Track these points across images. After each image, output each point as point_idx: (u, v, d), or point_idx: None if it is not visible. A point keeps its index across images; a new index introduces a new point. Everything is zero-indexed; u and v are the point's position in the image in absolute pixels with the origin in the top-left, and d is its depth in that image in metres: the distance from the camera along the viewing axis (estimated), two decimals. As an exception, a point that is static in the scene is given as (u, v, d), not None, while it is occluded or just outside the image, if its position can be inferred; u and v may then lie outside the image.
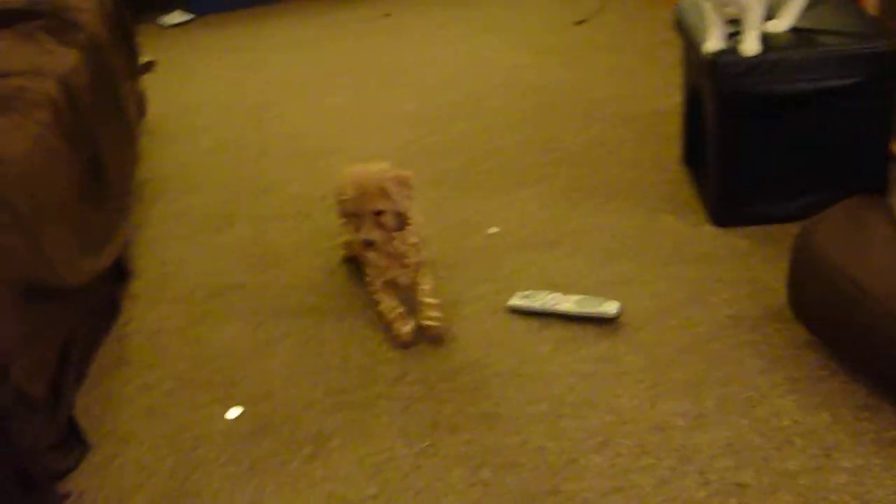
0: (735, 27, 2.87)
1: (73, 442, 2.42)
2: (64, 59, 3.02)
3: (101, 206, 2.97)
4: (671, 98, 3.50)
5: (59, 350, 2.55)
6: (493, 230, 3.17)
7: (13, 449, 2.11)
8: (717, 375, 2.44)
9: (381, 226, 2.67)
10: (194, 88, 4.53)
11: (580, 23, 4.87)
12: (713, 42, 2.84)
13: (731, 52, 2.85)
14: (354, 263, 3.00)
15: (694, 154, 3.26)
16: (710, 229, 3.04)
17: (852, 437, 2.19)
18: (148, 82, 4.36)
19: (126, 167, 3.37)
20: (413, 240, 2.76)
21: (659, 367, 2.48)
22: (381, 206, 2.65)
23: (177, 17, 5.58)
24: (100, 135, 3.04)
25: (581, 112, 3.89)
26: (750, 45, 2.79)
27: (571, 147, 3.63)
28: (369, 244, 2.66)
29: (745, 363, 2.47)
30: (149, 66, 4.84)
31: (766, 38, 2.84)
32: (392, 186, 2.66)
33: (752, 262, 2.85)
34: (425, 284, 2.77)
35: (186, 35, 5.32)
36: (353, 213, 2.68)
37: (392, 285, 2.79)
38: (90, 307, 2.77)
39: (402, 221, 2.74)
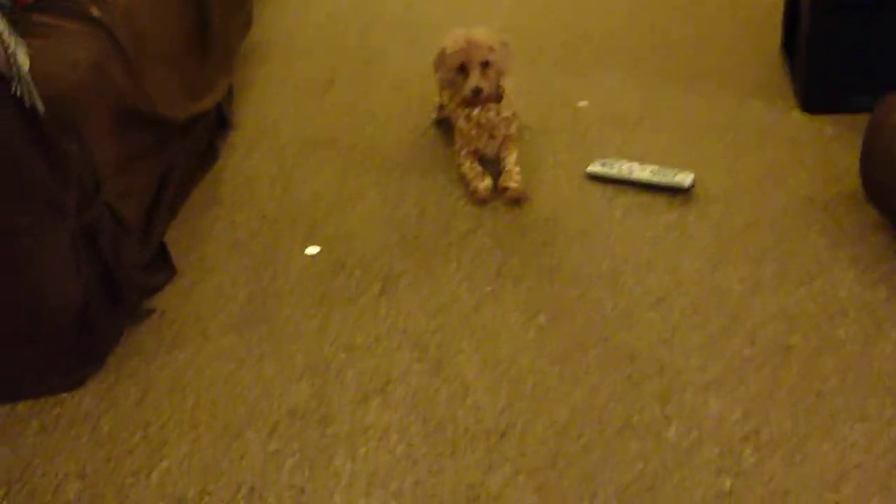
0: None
1: (162, 265, 2.58)
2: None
3: (205, 61, 3.11)
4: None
5: (156, 182, 2.71)
6: (583, 104, 3.22)
7: (103, 260, 2.27)
8: (780, 248, 2.47)
9: (486, 78, 2.74)
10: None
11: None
12: None
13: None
14: (444, 128, 3.08)
15: (792, 40, 3.23)
16: (798, 115, 3.04)
17: (905, 310, 2.20)
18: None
19: (234, 31, 3.49)
20: (506, 113, 2.84)
21: (724, 237, 2.53)
22: (489, 57, 2.72)
23: None
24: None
25: (684, 3, 3.86)
26: None
27: (670, 34, 3.63)
28: (477, 91, 2.74)
29: (810, 239, 2.50)
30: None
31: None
32: (497, 45, 2.74)
33: (835, 148, 2.84)
34: (510, 156, 2.85)
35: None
36: (458, 66, 2.76)
37: (478, 154, 2.87)
38: (189, 149, 2.92)
39: (499, 90, 2.81)
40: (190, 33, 2.99)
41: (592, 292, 2.38)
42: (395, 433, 2.05)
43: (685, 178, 2.70)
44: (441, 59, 2.79)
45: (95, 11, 2.39)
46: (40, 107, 1.98)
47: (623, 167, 2.79)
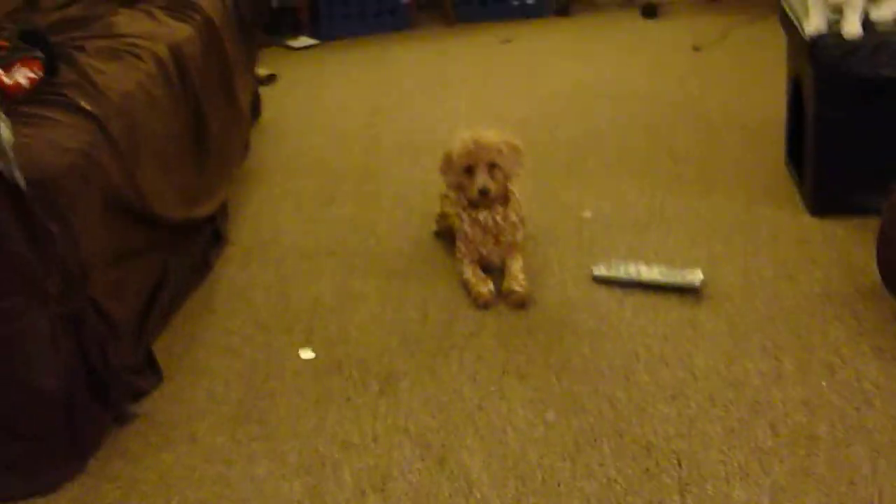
0: (837, 15, 2.81)
1: (149, 371, 2.46)
2: (177, 30, 3.14)
3: (201, 168, 3.06)
4: (779, 108, 3.43)
5: (149, 287, 2.62)
6: (587, 214, 3.15)
7: (88, 355, 2.16)
8: (799, 342, 2.37)
9: (494, 179, 2.68)
10: (312, 99, 4.64)
11: (698, 49, 4.83)
12: (815, 22, 2.79)
13: (832, 35, 2.80)
14: (445, 239, 3.01)
15: (796, 149, 3.19)
16: (807, 219, 2.98)
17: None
18: (267, 94, 4.49)
19: (232, 143, 3.46)
20: (513, 217, 2.77)
21: (739, 332, 2.42)
22: (496, 159, 2.66)
23: (303, 41, 5.74)
24: (206, 104, 3.14)
25: (689, 120, 3.85)
26: (851, 28, 2.74)
27: (675, 148, 3.59)
28: (485, 192, 2.67)
29: (830, 333, 2.39)
30: (270, 79, 5.00)
31: (868, 23, 2.77)
32: (505, 148, 2.68)
33: (847, 247, 2.76)
34: (515, 263, 2.76)
35: (311, 56, 5.47)
36: (465, 168, 2.69)
37: (481, 262, 2.79)
38: (182, 260, 2.84)
39: (506, 194, 2.74)
40: (185, 137, 2.95)
41: (603, 388, 2.26)
42: (396, 530, 1.89)
43: (695, 277, 2.61)
44: (448, 162, 2.73)
45: (86, 105, 2.34)
46: (22, 183, 1.91)
47: (630, 268, 2.71)
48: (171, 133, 2.83)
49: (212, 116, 3.15)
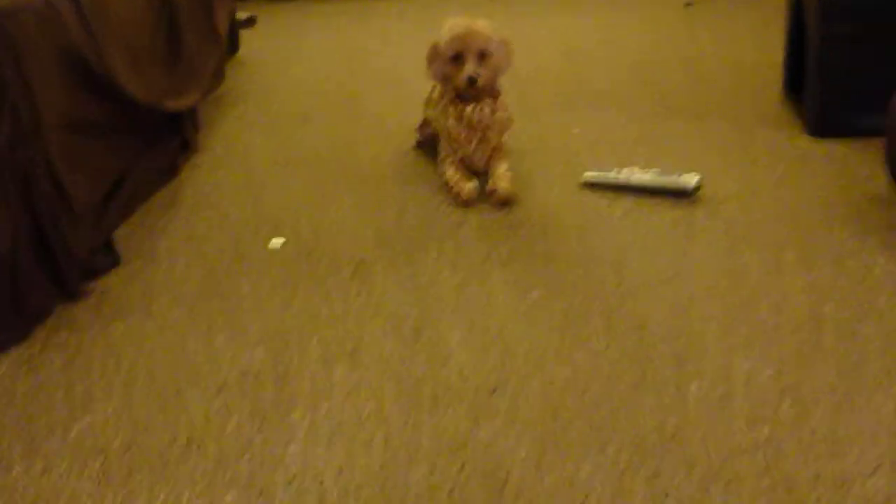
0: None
1: (106, 253, 2.29)
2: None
3: (171, 70, 2.90)
4: (774, 54, 3.29)
5: (110, 178, 2.46)
6: (576, 130, 2.99)
7: (37, 214, 1.99)
8: (802, 237, 2.22)
9: (484, 69, 2.51)
10: (293, 40, 4.48)
11: (689, 4, 4.71)
12: None
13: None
14: (428, 149, 2.84)
15: (796, 78, 3.05)
16: (807, 139, 2.84)
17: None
18: (246, 35, 4.32)
19: (205, 60, 3.29)
20: (501, 113, 2.60)
21: (737, 231, 2.27)
22: (486, 47, 2.49)
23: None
24: (181, 9, 2.98)
25: (679, 62, 3.71)
26: None
27: (666, 84, 3.45)
28: (473, 80, 2.49)
29: (834, 230, 2.25)
30: (250, 22, 4.83)
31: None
32: (496, 39, 2.52)
33: (850, 163, 2.62)
34: (500, 164, 2.59)
35: (293, 6, 5.32)
36: (454, 56, 2.52)
37: (465, 164, 2.61)
38: (147, 161, 2.67)
39: (495, 87, 2.58)
40: (157, 37, 2.79)
41: (594, 272, 2.10)
42: (364, 391, 1.72)
43: (690, 179, 2.46)
44: (434, 51, 2.56)
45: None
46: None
47: (622, 172, 2.54)
48: (141, 25, 2.68)
49: (185, 23, 3.00)
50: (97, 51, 2.25)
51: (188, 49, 3.02)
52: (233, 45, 4.00)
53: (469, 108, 2.54)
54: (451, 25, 2.53)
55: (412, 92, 3.06)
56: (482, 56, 2.50)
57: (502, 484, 1.47)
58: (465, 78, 2.48)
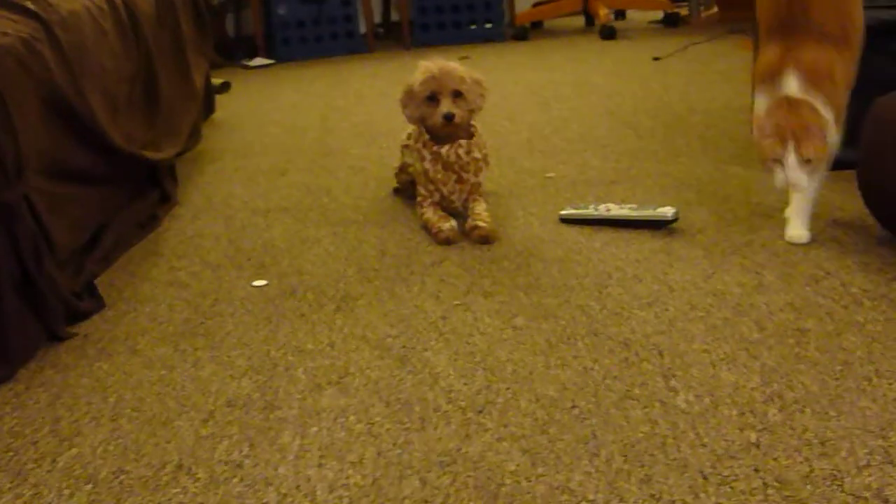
0: None
1: (89, 297, 2.29)
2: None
3: (149, 123, 2.93)
4: (744, 98, 3.36)
5: (92, 225, 2.48)
6: (551, 174, 3.03)
7: (19, 254, 1.99)
8: (780, 260, 2.25)
9: (458, 108, 2.55)
10: (266, 102, 4.54)
11: (658, 59, 4.81)
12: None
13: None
14: (406, 195, 2.87)
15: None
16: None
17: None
18: (221, 99, 4.38)
19: (183, 115, 3.33)
20: (476, 153, 2.63)
21: (716, 255, 2.30)
22: (460, 87, 2.54)
23: (259, 61, 5.67)
24: (158, 63, 3.03)
25: (651, 108, 3.78)
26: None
27: (639, 127, 3.51)
28: (450, 117, 2.52)
29: (811, 253, 2.28)
30: (224, 87, 4.90)
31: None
32: (469, 79, 2.57)
33: (822, 194, 2.64)
34: (479, 204, 2.63)
35: (266, 73, 5.39)
36: (428, 96, 2.56)
37: (443, 205, 2.65)
38: (128, 214, 2.69)
39: (469, 129, 2.62)
40: (135, 88, 2.82)
41: (575, 299, 2.12)
42: (353, 415, 1.73)
43: (667, 211, 2.49)
44: (409, 93, 2.60)
45: (31, 5, 2.20)
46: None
47: (599, 207, 2.57)
48: (120, 74, 2.70)
49: (163, 77, 3.04)
50: (79, 94, 2.27)
51: (166, 102, 3.05)
52: (209, 107, 4.05)
53: (444, 149, 2.57)
54: (424, 67, 2.57)
55: (389, 145, 3.11)
56: (457, 96, 2.54)
57: (495, 493, 1.47)
58: (441, 116, 2.51)
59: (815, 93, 2.19)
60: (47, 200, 2.18)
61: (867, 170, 2.28)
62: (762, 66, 2.31)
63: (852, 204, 2.46)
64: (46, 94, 2.14)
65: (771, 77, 2.25)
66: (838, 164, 2.69)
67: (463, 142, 2.58)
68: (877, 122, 2.23)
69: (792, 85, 2.20)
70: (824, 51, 2.24)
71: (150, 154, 2.77)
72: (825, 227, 2.40)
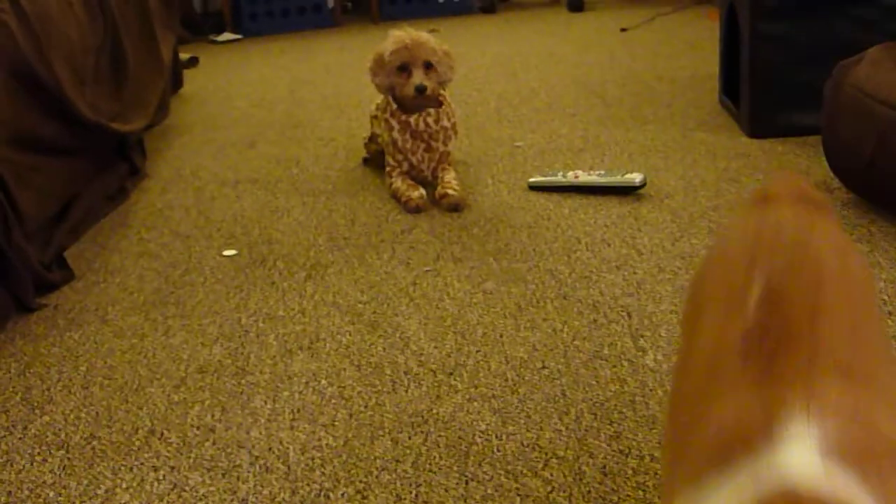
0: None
1: (59, 269, 2.29)
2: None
3: (116, 95, 2.91)
4: (710, 67, 3.38)
5: (60, 199, 2.46)
6: (519, 143, 3.04)
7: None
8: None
9: (430, 80, 2.55)
10: (234, 76, 4.50)
11: (625, 30, 4.81)
12: None
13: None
14: (375, 165, 2.87)
15: (732, 84, 3.12)
16: (745, 139, 2.90)
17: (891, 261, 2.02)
18: (189, 74, 4.35)
19: (150, 88, 3.30)
20: (445, 121, 2.63)
21: (684, 220, 2.32)
22: (432, 58, 2.53)
23: (227, 36, 5.63)
24: (124, 36, 3.00)
25: (618, 77, 3.78)
26: None
27: (606, 96, 3.51)
28: (422, 90, 2.52)
29: (777, 216, 2.28)
30: (192, 62, 4.86)
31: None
32: (440, 50, 2.57)
33: (787, 157, 2.69)
34: (448, 173, 2.63)
35: (234, 48, 5.36)
36: (399, 66, 2.56)
37: (411, 174, 2.65)
38: (97, 187, 2.68)
39: (439, 98, 2.62)
40: (101, 60, 2.80)
41: (544, 264, 2.14)
42: (324, 378, 1.74)
43: (635, 176, 2.50)
44: (378, 62, 2.59)
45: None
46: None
47: (567, 174, 2.59)
48: (85, 45, 2.68)
49: (129, 50, 3.02)
50: (45, 64, 2.26)
51: (133, 74, 3.03)
52: (176, 81, 4.02)
53: (413, 118, 2.57)
54: (396, 37, 2.56)
55: (357, 116, 3.10)
56: (428, 67, 2.54)
57: (466, 451, 1.48)
58: (413, 88, 2.51)
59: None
60: (14, 171, 2.17)
61: (830, 134, 2.30)
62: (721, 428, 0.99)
63: (819, 167, 2.48)
64: (12, 63, 2.13)
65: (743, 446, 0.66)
66: (804, 130, 2.72)
67: (432, 111, 2.58)
68: (838, 86, 2.25)
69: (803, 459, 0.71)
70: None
71: (117, 126, 2.75)
72: (791, 190, 2.42)
